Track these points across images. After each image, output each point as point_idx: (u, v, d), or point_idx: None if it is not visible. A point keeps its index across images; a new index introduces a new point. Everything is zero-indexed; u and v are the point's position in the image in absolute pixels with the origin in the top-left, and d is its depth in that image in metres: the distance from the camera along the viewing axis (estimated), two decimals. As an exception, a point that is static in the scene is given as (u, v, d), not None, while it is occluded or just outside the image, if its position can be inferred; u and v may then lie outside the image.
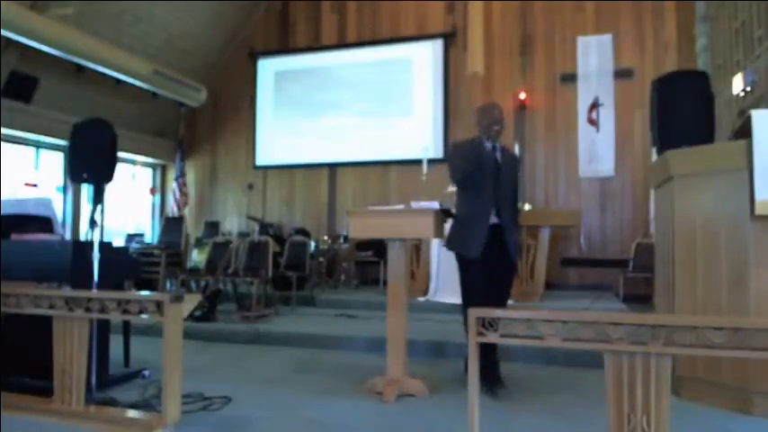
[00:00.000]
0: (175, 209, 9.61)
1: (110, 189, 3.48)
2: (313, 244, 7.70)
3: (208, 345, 4.80)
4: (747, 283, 2.88)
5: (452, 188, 6.96)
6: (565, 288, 7.58)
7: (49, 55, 7.09)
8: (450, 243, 3.58)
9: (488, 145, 3.47)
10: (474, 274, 3.43)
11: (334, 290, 7.68)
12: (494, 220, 3.43)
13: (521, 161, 3.64)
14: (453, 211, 3.59)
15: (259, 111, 9.93)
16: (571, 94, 8.18)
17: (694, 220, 3.12)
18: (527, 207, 6.77)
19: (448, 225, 3.64)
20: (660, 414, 1.83)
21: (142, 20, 8.31)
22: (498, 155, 3.49)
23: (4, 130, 7.16)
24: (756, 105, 4.92)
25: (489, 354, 3.40)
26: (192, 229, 9.34)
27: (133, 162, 9.88)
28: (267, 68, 9.94)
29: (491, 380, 3.31)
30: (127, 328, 3.90)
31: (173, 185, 9.82)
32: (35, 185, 7.93)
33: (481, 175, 3.42)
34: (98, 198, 3.27)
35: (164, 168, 10.53)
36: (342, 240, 8.40)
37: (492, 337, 2.04)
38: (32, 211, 3.69)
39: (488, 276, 3.41)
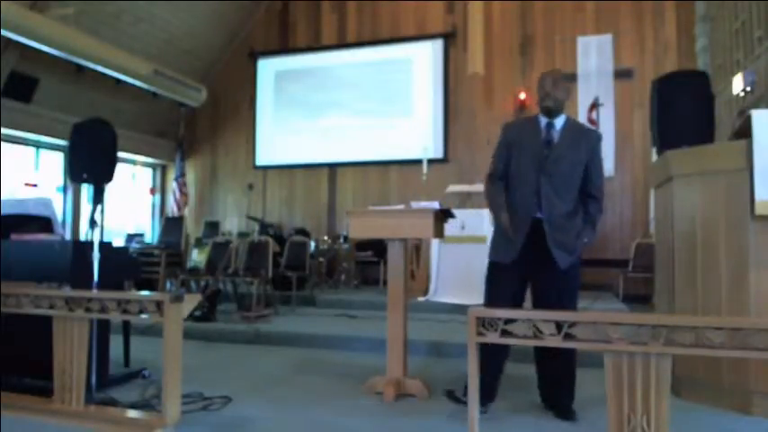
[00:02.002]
0: (175, 209, 9.61)
1: (110, 189, 3.48)
2: (313, 244, 7.70)
3: (208, 345, 4.80)
4: (747, 283, 2.88)
5: (453, 187, 7.01)
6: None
7: (49, 55, 7.09)
8: (490, 250, 3.03)
9: (543, 121, 2.90)
10: (499, 285, 2.91)
11: (334, 290, 7.67)
12: (536, 214, 2.81)
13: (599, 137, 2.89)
14: (454, 211, 3.54)
15: (259, 111, 9.93)
16: (571, 94, 8.16)
17: (694, 220, 3.12)
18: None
19: (448, 225, 3.61)
20: (660, 414, 1.83)
21: (142, 20, 8.31)
22: (555, 133, 2.86)
23: (4, 130, 7.16)
24: (756, 105, 4.92)
25: (559, 370, 2.87)
26: (192, 229, 9.34)
27: (133, 162, 9.89)
28: (267, 68, 9.94)
29: (562, 409, 2.83)
30: (127, 328, 3.90)
31: (173, 185, 9.82)
32: (35, 185, 7.93)
33: (523, 158, 2.86)
34: (98, 198, 3.27)
35: (164, 168, 10.54)
36: (342, 240, 8.40)
37: (492, 337, 2.04)
38: (32, 211, 3.68)
39: (518, 291, 2.90)
